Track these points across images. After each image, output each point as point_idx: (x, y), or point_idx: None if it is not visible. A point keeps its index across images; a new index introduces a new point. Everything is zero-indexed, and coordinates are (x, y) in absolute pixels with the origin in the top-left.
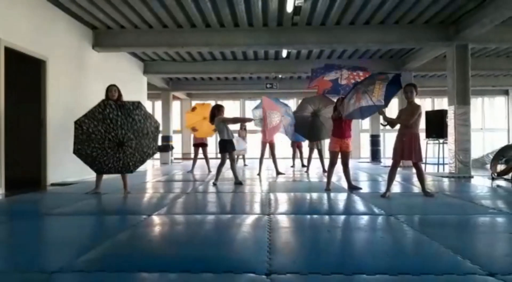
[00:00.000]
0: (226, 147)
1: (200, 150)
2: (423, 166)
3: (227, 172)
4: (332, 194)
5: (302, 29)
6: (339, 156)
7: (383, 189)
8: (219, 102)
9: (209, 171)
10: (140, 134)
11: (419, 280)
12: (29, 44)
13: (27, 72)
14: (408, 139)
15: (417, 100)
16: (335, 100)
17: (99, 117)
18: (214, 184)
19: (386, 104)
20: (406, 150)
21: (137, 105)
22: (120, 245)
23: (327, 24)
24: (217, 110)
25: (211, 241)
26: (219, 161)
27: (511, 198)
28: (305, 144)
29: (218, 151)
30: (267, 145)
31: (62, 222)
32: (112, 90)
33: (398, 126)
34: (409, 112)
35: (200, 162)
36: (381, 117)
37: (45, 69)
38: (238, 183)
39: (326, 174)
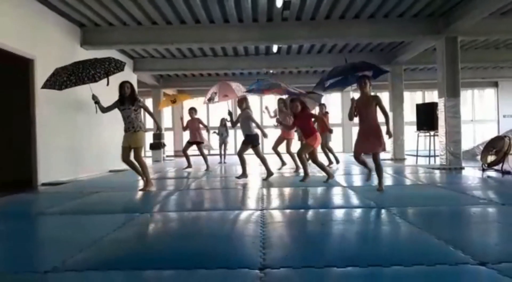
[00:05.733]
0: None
1: (195, 147)
2: (414, 158)
3: (217, 168)
4: (325, 188)
5: (292, 24)
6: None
7: (376, 182)
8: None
9: (208, 169)
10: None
11: (411, 271)
12: (17, 43)
13: (15, 71)
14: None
15: (407, 93)
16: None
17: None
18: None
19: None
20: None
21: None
22: (113, 243)
23: (317, 18)
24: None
25: (205, 238)
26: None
27: (501, 189)
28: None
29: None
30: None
31: (55, 221)
32: (124, 87)
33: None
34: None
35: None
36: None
37: (33, 68)
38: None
39: (330, 166)
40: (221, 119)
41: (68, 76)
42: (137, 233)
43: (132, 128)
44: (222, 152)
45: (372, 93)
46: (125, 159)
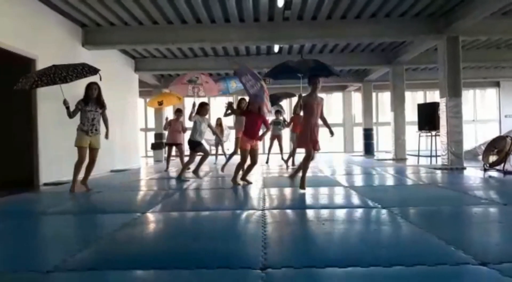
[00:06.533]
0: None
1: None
2: (415, 158)
3: (215, 167)
4: (326, 188)
5: (294, 23)
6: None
7: (377, 182)
8: (212, 99)
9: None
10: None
11: (412, 271)
12: (18, 43)
13: (16, 71)
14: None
15: (409, 93)
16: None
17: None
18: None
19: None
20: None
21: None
22: (114, 243)
23: (319, 18)
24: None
25: (206, 237)
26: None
27: (503, 188)
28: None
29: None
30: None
31: (55, 221)
32: (92, 89)
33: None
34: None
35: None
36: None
37: (35, 68)
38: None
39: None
40: (217, 119)
41: (39, 77)
42: (137, 233)
43: (96, 131)
44: (219, 152)
45: (320, 95)
46: (85, 159)
